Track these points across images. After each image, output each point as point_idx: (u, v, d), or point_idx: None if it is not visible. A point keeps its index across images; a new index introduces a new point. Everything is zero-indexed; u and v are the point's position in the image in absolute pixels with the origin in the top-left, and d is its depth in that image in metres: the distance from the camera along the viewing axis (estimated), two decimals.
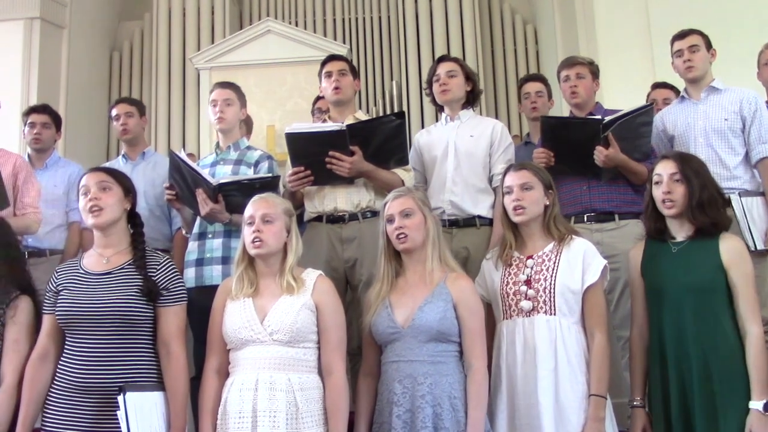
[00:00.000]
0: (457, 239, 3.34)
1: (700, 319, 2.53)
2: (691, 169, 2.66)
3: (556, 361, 2.52)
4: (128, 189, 2.65)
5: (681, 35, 3.59)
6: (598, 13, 6.64)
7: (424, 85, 3.83)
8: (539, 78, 4.42)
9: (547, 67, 7.75)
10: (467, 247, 3.33)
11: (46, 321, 2.55)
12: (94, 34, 8.49)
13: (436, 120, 3.70)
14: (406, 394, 2.45)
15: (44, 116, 4.11)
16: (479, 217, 3.38)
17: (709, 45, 3.57)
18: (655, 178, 2.71)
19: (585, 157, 3.25)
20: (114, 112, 4.05)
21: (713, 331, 2.52)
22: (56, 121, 4.18)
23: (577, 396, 2.50)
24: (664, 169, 2.68)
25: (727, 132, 3.42)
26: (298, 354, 2.44)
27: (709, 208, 2.61)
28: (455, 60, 3.66)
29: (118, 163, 3.99)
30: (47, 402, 2.45)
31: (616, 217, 3.31)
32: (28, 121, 4.10)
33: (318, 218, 3.35)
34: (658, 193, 2.68)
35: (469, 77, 3.58)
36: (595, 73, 3.56)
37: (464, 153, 3.44)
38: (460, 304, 2.53)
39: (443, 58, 3.67)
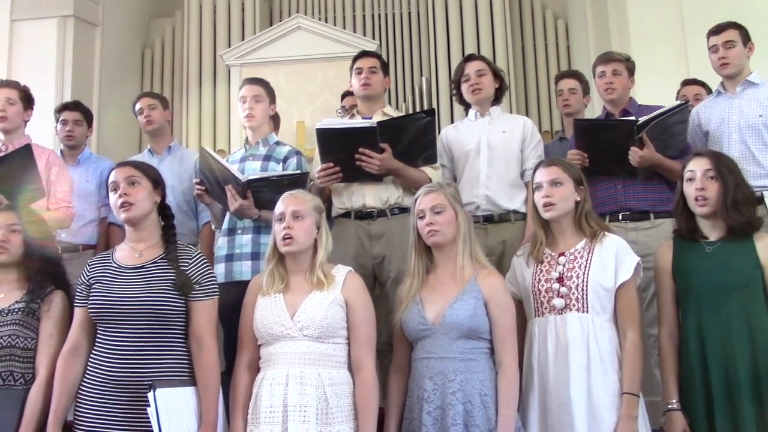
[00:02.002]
0: (492, 234, 3.33)
1: (744, 318, 2.50)
2: (726, 166, 2.62)
3: (589, 359, 2.50)
4: (157, 182, 2.67)
5: (716, 30, 3.52)
6: (631, 7, 6.55)
7: (451, 85, 3.80)
8: (574, 74, 4.37)
9: (579, 63, 7.67)
10: (504, 241, 3.31)
11: (78, 314, 2.58)
12: (126, 32, 8.57)
13: (466, 116, 3.67)
14: (436, 390, 2.44)
15: (76, 113, 4.17)
16: (514, 212, 3.37)
17: (746, 39, 3.49)
18: (687, 175, 2.67)
19: (619, 158, 3.23)
20: (137, 107, 4.10)
21: (758, 330, 2.48)
22: (88, 117, 4.24)
23: (609, 394, 2.48)
24: (698, 166, 2.64)
25: (761, 128, 3.36)
26: (328, 349, 2.45)
27: (744, 207, 2.57)
28: (482, 58, 3.66)
29: (144, 158, 4.00)
30: (79, 395, 2.47)
31: (652, 216, 3.28)
32: (61, 118, 4.16)
33: (346, 214, 3.35)
34: (690, 189, 2.64)
35: (497, 74, 3.58)
36: (631, 69, 3.53)
37: (498, 148, 3.43)
38: (491, 301, 2.52)
39: (470, 58, 3.66)
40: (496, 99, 3.60)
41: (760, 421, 2.40)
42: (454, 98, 3.77)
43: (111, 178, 2.62)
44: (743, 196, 2.58)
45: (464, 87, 3.56)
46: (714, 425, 2.48)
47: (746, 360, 2.45)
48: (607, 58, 3.57)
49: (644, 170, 3.25)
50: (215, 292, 2.58)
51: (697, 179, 2.62)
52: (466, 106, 3.66)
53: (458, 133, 3.61)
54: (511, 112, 7.46)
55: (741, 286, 2.52)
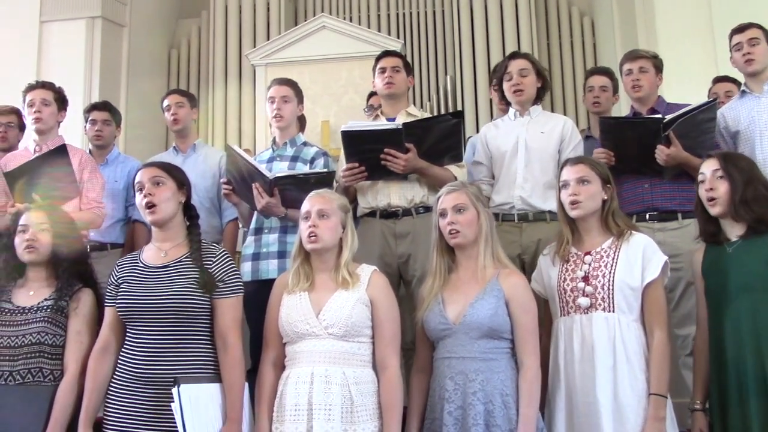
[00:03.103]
0: (527, 233, 3.31)
1: (755, 319, 2.47)
2: (735, 166, 2.61)
3: (615, 359, 2.49)
4: (182, 182, 2.70)
5: (740, 29, 3.52)
6: (658, 3, 6.49)
7: (491, 81, 3.76)
8: (605, 72, 4.31)
9: (605, 61, 7.60)
10: (539, 240, 3.27)
11: (108, 314, 2.61)
12: (153, 32, 8.66)
13: (491, 116, 3.68)
14: (457, 390, 2.44)
15: (105, 113, 4.21)
16: (550, 212, 3.32)
17: None
18: (699, 177, 2.68)
19: (646, 157, 3.20)
20: (165, 103, 4.14)
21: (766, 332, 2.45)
22: (116, 117, 4.28)
23: (636, 395, 2.46)
24: (707, 167, 2.65)
25: None
26: (353, 348, 2.46)
27: (755, 204, 2.54)
28: (526, 56, 3.61)
29: (169, 155, 4.06)
30: (109, 392, 2.51)
31: (679, 216, 3.25)
32: (90, 118, 4.20)
33: (371, 213, 3.36)
34: (702, 191, 2.64)
35: (540, 73, 3.54)
36: (658, 66, 3.49)
37: (535, 150, 3.39)
38: (512, 300, 2.51)
39: (515, 55, 3.62)
40: (538, 98, 3.55)
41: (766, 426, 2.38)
42: (495, 93, 3.73)
43: (137, 179, 2.66)
44: (754, 194, 2.55)
45: (506, 85, 3.51)
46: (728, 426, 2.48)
47: (754, 364, 2.43)
48: (633, 55, 3.54)
49: (671, 169, 3.22)
50: (239, 289, 2.60)
51: (707, 180, 2.63)
52: (507, 104, 3.62)
53: (497, 132, 3.56)
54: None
55: (753, 286, 2.50)
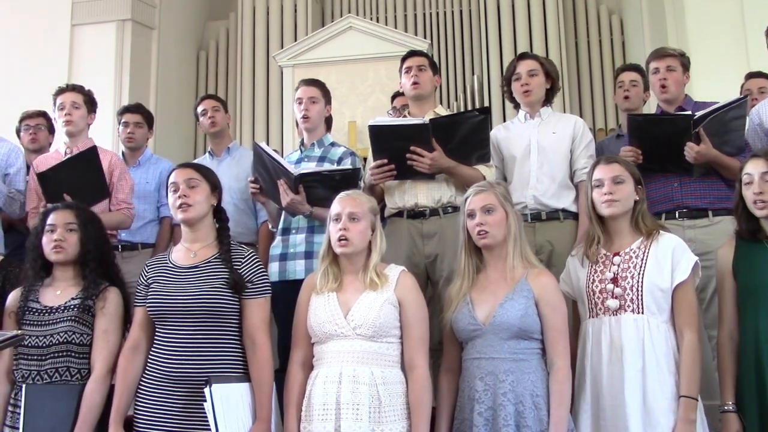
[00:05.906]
0: (540, 233, 3.30)
1: None
2: None
3: (644, 361, 2.46)
4: (215, 185, 2.72)
5: None
6: (688, 0, 6.41)
7: (502, 82, 3.76)
8: (635, 68, 4.27)
9: (634, 59, 7.50)
10: (551, 240, 3.28)
11: (138, 313, 2.65)
12: (182, 34, 8.73)
13: (516, 115, 3.64)
14: (487, 391, 2.43)
15: (137, 116, 4.26)
16: (563, 210, 3.33)
17: None
18: (745, 178, 2.61)
19: (674, 154, 3.16)
20: (201, 108, 4.18)
21: None
22: (149, 120, 4.33)
23: (666, 397, 2.44)
24: (755, 168, 2.58)
25: None
26: (381, 348, 2.46)
27: None
28: (536, 57, 3.60)
29: (205, 160, 4.10)
30: (139, 391, 2.54)
31: (710, 213, 3.21)
32: (122, 120, 4.25)
33: (399, 214, 3.35)
34: (749, 193, 2.58)
35: (549, 75, 3.53)
36: (686, 65, 3.45)
37: (548, 150, 3.39)
38: (541, 300, 2.50)
39: (524, 56, 3.62)
40: (547, 99, 3.55)
41: None
42: (504, 95, 3.73)
43: (171, 179, 2.69)
44: None
45: (515, 86, 3.51)
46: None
47: None
48: (660, 53, 3.50)
49: (700, 167, 3.18)
50: (267, 290, 2.63)
51: (755, 182, 2.57)
52: (516, 105, 3.62)
53: (508, 134, 3.57)
54: (564, 109, 7.41)
55: None
